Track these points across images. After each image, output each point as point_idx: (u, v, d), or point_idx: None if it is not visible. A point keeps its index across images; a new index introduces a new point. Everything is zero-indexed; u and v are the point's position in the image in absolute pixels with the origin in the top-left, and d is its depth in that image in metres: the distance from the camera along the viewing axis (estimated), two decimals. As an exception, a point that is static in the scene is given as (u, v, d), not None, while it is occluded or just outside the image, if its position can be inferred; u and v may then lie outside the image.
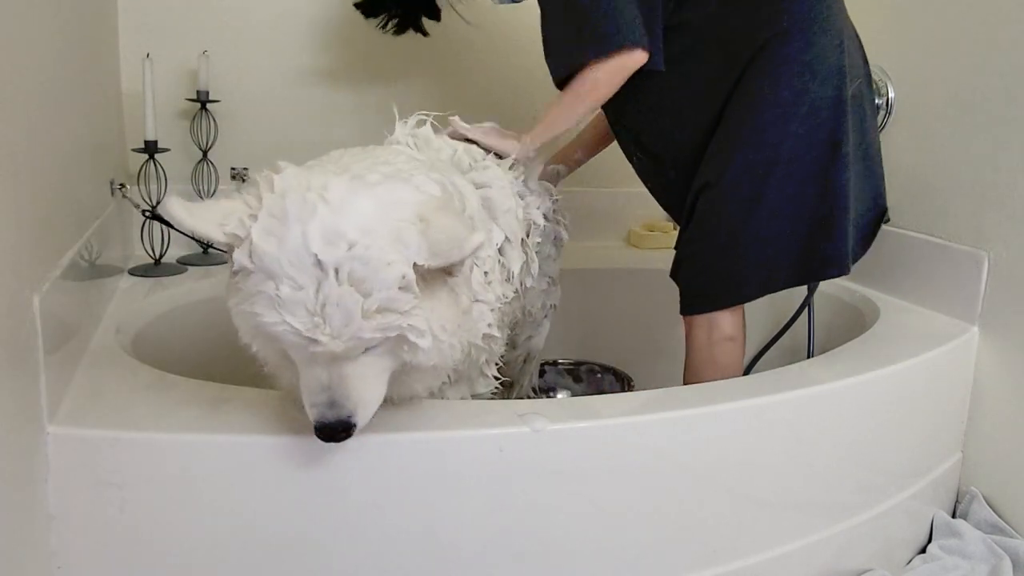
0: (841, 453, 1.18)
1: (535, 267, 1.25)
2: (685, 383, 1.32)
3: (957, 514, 1.44)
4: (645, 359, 1.89)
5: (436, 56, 1.71)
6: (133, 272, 1.56)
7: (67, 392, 0.95)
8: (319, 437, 0.79)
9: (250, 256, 0.73)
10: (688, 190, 1.29)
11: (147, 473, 0.87)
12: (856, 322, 1.55)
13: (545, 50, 1.27)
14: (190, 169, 1.74)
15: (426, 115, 1.16)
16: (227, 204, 0.77)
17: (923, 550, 1.38)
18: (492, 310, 1.02)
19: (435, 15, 1.59)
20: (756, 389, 1.10)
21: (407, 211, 0.77)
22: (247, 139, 1.79)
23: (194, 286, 1.52)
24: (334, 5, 1.82)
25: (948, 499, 1.45)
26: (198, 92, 1.68)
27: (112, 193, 1.48)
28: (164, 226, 1.59)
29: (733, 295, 1.28)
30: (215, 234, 0.75)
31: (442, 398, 1.03)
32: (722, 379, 1.22)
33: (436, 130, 1.17)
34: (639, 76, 1.22)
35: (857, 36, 1.31)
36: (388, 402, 0.86)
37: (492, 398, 1.15)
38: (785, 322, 1.50)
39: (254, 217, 0.75)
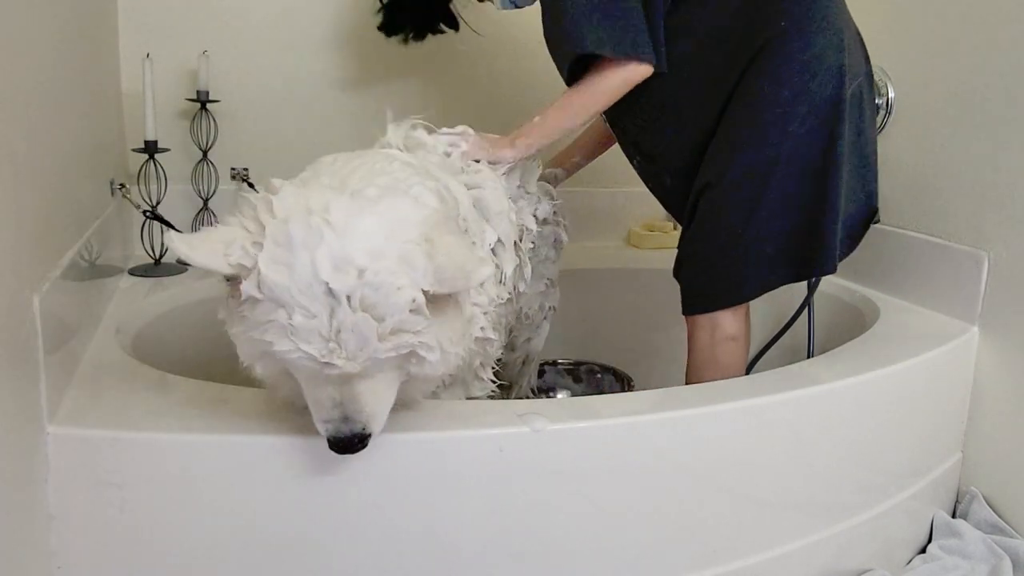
0: (841, 453, 1.18)
1: (528, 271, 1.25)
2: (687, 383, 1.32)
3: (957, 514, 1.44)
4: (645, 359, 1.89)
5: (436, 57, 1.71)
6: (133, 272, 1.56)
7: (67, 392, 0.95)
8: (334, 450, 0.79)
9: (259, 286, 0.73)
10: (688, 191, 1.30)
11: (147, 473, 0.87)
12: (856, 322, 1.55)
13: (552, 50, 1.27)
14: (190, 169, 1.74)
15: (419, 119, 1.16)
16: (226, 232, 0.76)
17: (923, 550, 1.38)
18: (485, 313, 1.03)
19: (453, 24, 1.60)
20: (756, 389, 1.10)
21: (412, 231, 0.77)
22: (247, 139, 1.79)
23: (194, 286, 1.52)
24: (334, 5, 1.83)
25: (948, 499, 1.45)
26: (198, 92, 1.68)
27: (112, 193, 1.48)
28: (164, 226, 1.59)
29: (734, 295, 1.28)
30: (220, 266, 0.74)
31: (437, 401, 1.03)
32: (724, 380, 1.22)
33: (430, 131, 1.17)
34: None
35: (859, 35, 1.30)
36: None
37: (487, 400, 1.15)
38: (785, 322, 1.50)
39: (257, 245, 0.74)
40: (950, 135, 1.48)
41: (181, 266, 1.62)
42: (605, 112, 1.41)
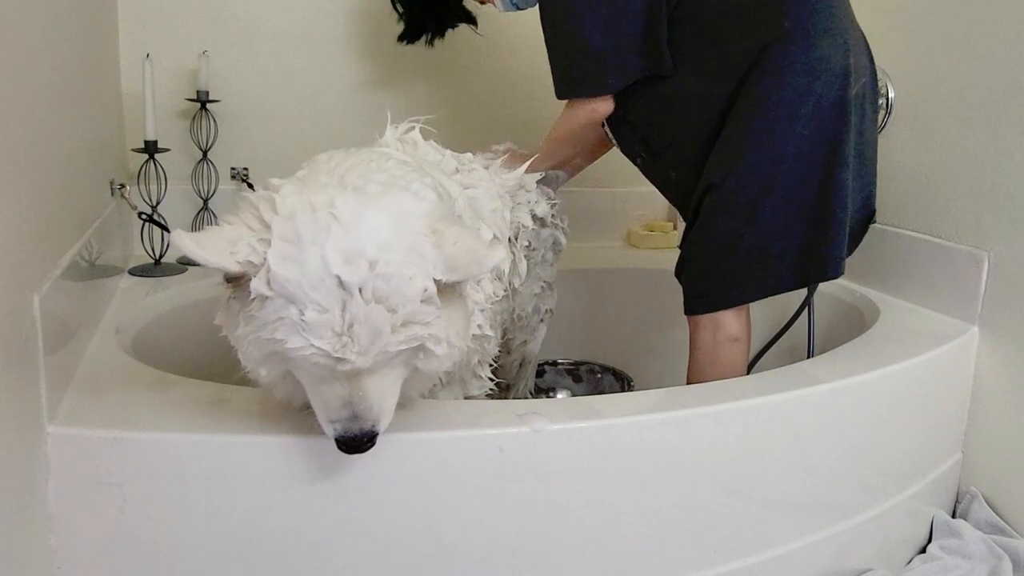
0: (841, 453, 1.18)
1: (523, 267, 1.25)
2: (688, 383, 1.32)
3: (957, 514, 1.44)
4: (645, 359, 1.89)
5: (438, 57, 1.71)
6: (133, 272, 1.56)
7: (67, 392, 0.95)
8: (343, 450, 0.78)
9: (268, 283, 0.72)
10: (693, 189, 1.30)
11: (147, 473, 0.86)
12: (856, 322, 1.55)
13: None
14: (190, 169, 1.74)
15: (416, 121, 1.16)
16: (229, 231, 0.75)
17: (923, 550, 1.38)
18: (482, 310, 1.03)
19: (472, 20, 1.63)
20: (756, 389, 1.10)
21: (419, 223, 0.77)
22: (247, 139, 1.79)
23: (194, 286, 1.52)
24: (334, 5, 1.83)
25: (948, 499, 1.45)
26: (198, 92, 1.68)
27: (112, 193, 1.48)
28: (162, 230, 1.59)
29: (736, 295, 1.28)
30: (228, 264, 0.73)
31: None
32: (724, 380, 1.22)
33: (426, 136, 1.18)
34: (646, 76, 1.24)
35: (863, 36, 1.31)
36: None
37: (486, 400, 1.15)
38: (785, 322, 1.50)
39: (264, 242, 0.73)
40: (950, 135, 1.48)
41: (181, 266, 1.62)
42: (612, 114, 1.41)
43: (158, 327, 1.38)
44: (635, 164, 1.45)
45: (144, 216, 1.56)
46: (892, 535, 1.31)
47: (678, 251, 1.35)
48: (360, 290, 0.71)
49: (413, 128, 1.16)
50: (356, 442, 0.77)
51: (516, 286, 1.26)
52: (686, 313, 1.32)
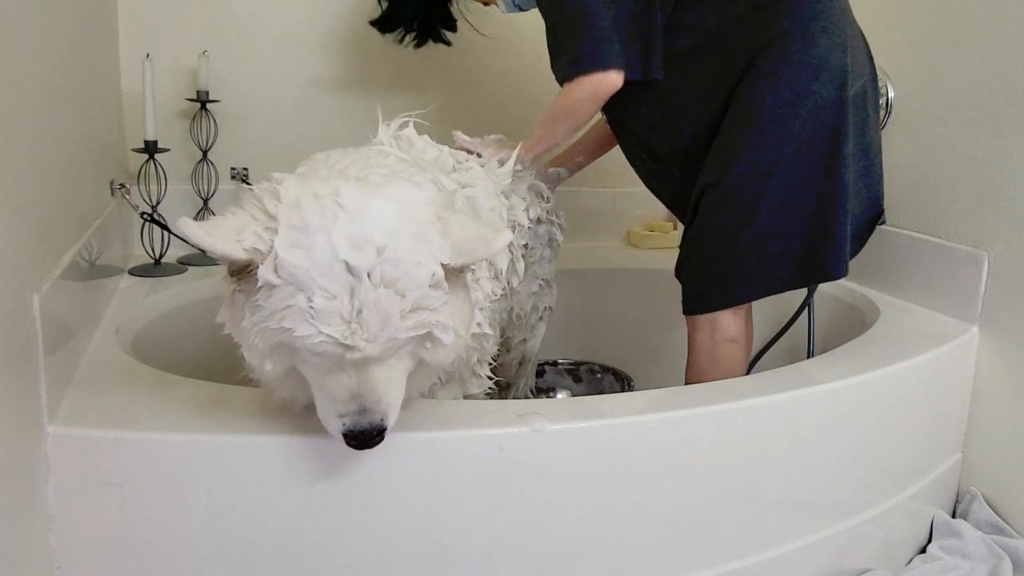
0: (841, 453, 1.18)
1: (520, 267, 1.26)
2: (687, 384, 1.32)
3: (957, 514, 1.44)
4: (645, 359, 1.89)
5: (438, 57, 1.71)
6: (133, 272, 1.56)
7: (67, 392, 0.95)
8: (352, 446, 0.77)
9: (276, 271, 0.71)
10: (692, 190, 1.30)
11: (147, 473, 0.86)
12: (856, 322, 1.55)
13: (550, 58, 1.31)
14: (190, 169, 1.74)
15: (409, 116, 1.16)
16: (234, 220, 0.75)
17: (923, 550, 1.38)
18: (481, 308, 1.03)
19: (452, 25, 1.60)
20: (756, 389, 1.10)
21: (424, 211, 0.77)
22: (247, 139, 1.79)
23: (194, 286, 1.52)
24: (335, 5, 1.83)
25: (948, 499, 1.45)
26: (198, 92, 1.68)
27: (112, 193, 1.48)
28: (163, 230, 1.59)
29: (734, 295, 1.28)
30: (235, 251, 0.72)
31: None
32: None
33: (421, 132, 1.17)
34: (642, 80, 1.24)
35: (862, 35, 1.31)
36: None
37: (486, 399, 1.15)
38: (785, 322, 1.50)
39: (270, 230, 0.73)
40: (950, 135, 1.48)
41: (181, 266, 1.62)
42: (608, 114, 1.41)
43: (158, 327, 1.38)
44: (634, 167, 1.45)
45: (145, 216, 1.57)
46: (892, 535, 1.31)
47: (678, 251, 1.35)
48: (368, 275, 0.71)
49: (407, 125, 1.16)
50: (366, 436, 0.76)
51: (514, 286, 1.26)
52: (684, 313, 1.32)
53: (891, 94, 1.59)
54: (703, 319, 1.30)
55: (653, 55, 1.26)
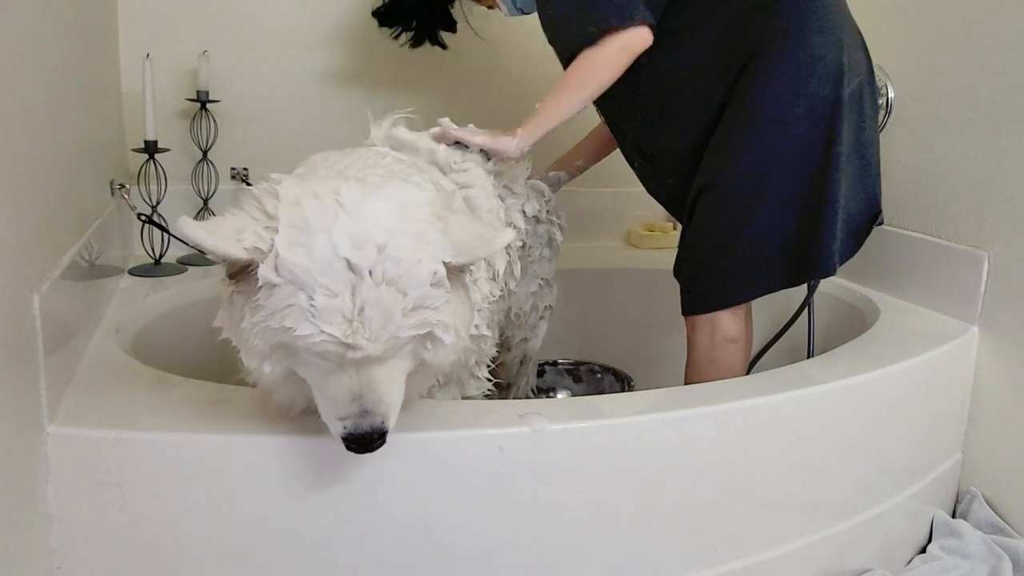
0: (841, 453, 1.18)
1: (517, 268, 1.25)
2: (687, 384, 1.32)
3: (957, 514, 1.44)
4: (645, 359, 1.89)
5: (439, 58, 1.71)
6: (133, 272, 1.56)
7: (67, 392, 0.95)
8: (353, 450, 0.76)
9: (276, 269, 0.71)
10: (688, 191, 1.30)
11: (147, 473, 0.86)
12: (856, 322, 1.55)
13: (551, 33, 1.24)
14: (190, 169, 1.74)
15: (401, 114, 1.15)
16: (233, 220, 0.74)
17: (923, 550, 1.38)
18: (479, 310, 1.03)
19: (451, 27, 1.59)
20: (756, 389, 1.10)
21: (424, 211, 0.77)
22: (247, 139, 1.79)
23: (194, 286, 1.52)
24: (335, 5, 1.83)
25: (948, 499, 1.45)
26: (198, 92, 1.68)
27: (112, 193, 1.48)
28: (162, 232, 1.59)
29: (733, 295, 1.28)
30: (235, 250, 0.72)
31: (431, 401, 1.03)
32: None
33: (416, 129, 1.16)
34: (636, 79, 1.23)
35: (859, 34, 1.30)
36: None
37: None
38: (785, 322, 1.50)
39: (270, 230, 0.72)
40: (950, 135, 1.48)
41: (181, 266, 1.62)
42: (606, 116, 1.41)
43: (158, 327, 1.38)
44: (633, 169, 1.45)
45: (144, 217, 1.57)
46: (892, 535, 1.31)
47: (677, 251, 1.35)
48: (370, 273, 0.71)
49: (398, 123, 1.15)
50: (367, 439, 0.75)
51: (512, 287, 1.26)
52: (683, 313, 1.32)
53: (891, 94, 1.59)
54: (702, 319, 1.30)
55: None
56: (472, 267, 0.98)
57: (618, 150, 1.49)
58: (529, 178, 1.40)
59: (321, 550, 0.90)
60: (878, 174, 1.34)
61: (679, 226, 1.37)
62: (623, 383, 1.81)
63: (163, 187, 1.64)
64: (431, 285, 0.74)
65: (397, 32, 1.60)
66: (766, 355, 1.52)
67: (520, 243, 1.29)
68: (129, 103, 1.66)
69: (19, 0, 0.86)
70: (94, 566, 0.87)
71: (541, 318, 1.49)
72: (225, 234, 0.72)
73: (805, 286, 1.40)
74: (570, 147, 1.61)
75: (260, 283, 0.71)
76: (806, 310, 1.48)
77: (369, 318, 0.71)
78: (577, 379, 1.88)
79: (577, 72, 1.19)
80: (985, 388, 1.41)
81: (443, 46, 1.61)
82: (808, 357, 1.46)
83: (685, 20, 1.24)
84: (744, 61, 1.21)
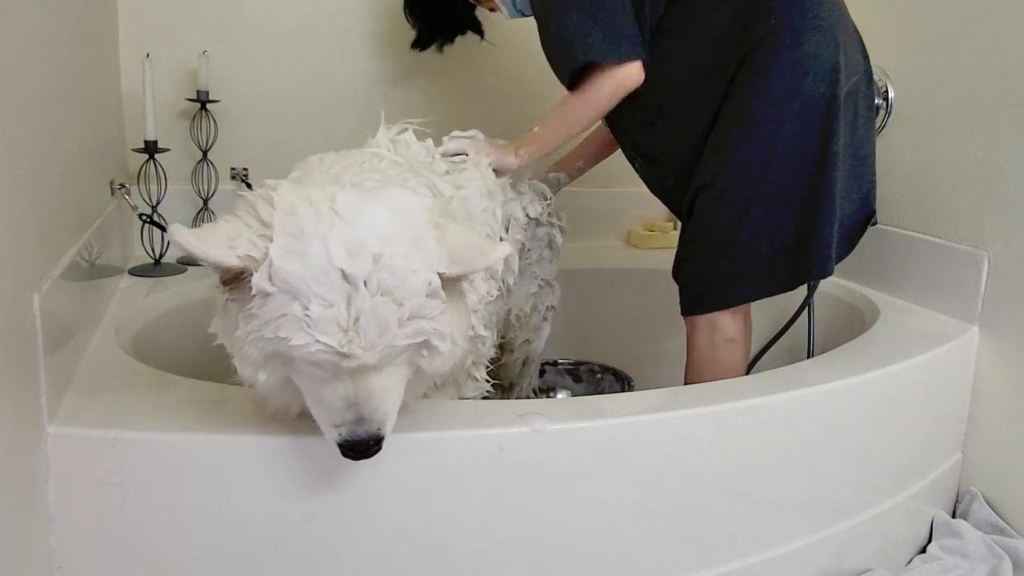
0: (841, 453, 1.18)
1: (515, 262, 1.25)
2: (686, 384, 1.32)
3: (957, 514, 1.44)
4: (645, 359, 1.89)
5: (438, 59, 1.71)
6: (133, 272, 1.56)
7: (67, 392, 0.95)
8: (349, 456, 0.76)
9: (270, 278, 0.70)
10: (687, 192, 1.30)
11: (147, 473, 0.86)
12: (856, 322, 1.55)
13: (547, 54, 1.28)
14: (190, 169, 1.74)
15: (409, 123, 1.16)
16: (227, 227, 0.74)
17: (923, 550, 1.38)
18: (476, 311, 1.02)
19: (478, 29, 1.64)
20: (756, 389, 1.10)
21: (420, 218, 0.76)
22: (247, 139, 1.79)
23: (194, 286, 1.52)
24: (335, 5, 1.83)
25: (948, 499, 1.45)
26: (198, 92, 1.68)
27: (112, 193, 1.48)
28: (162, 232, 1.59)
29: (732, 296, 1.28)
30: (227, 258, 0.71)
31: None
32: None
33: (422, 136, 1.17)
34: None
35: (857, 33, 1.30)
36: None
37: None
38: (785, 322, 1.50)
39: (264, 238, 0.72)
40: (950, 135, 1.48)
41: (181, 266, 1.62)
42: (607, 118, 1.41)
43: (158, 327, 1.38)
44: (634, 168, 1.45)
45: (144, 217, 1.57)
46: (892, 535, 1.31)
47: (676, 251, 1.35)
48: (365, 283, 0.70)
49: (407, 130, 1.15)
50: (363, 446, 0.75)
51: (510, 283, 1.26)
52: (683, 314, 1.32)
53: (891, 94, 1.59)
54: (702, 319, 1.30)
55: (645, 46, 1.24)
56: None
57: (619, 150, 1.49)
58: (531, 179, 1.40)
59: (321, 550, 0.90)
60: (873, 174, 1.34)
61: (679, 226, 1.37)
62: (623, 383, 1.81)
63: (163, 187, 1.64)
64: (427, 296, 0.73)
65: (440, 46, 1.65)
66: (766, 355, 1.52)
67: (518, 237, 1.29)
68: (129, 103, 1.66)
69: (19, 0, 0.86)
70: (94, 566, 0.87)
71: (544, 319, 1.49)
72: (218, 241, 0.71)
73: (805, 286, 1.40)
74: (571, 149, 1.61)
75: (253, 292, 0.71)
76: (806, 310, 1.48)
77: (365, 328, 0.71)
78: (577, 379, 1.88)
79: (572, 108, 1.26)
80: (985, 388, 1.41)
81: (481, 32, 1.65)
82: (808, 357, 1.47)
83: (682, 20, 1.24)
84: (740, 60, 1.21)
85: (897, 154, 1.57)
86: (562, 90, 1.28)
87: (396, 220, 0.74)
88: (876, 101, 1.57)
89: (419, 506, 0.91)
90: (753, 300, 1.30)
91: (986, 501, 1.40)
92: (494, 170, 1.24)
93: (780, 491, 1.12)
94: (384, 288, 0.71)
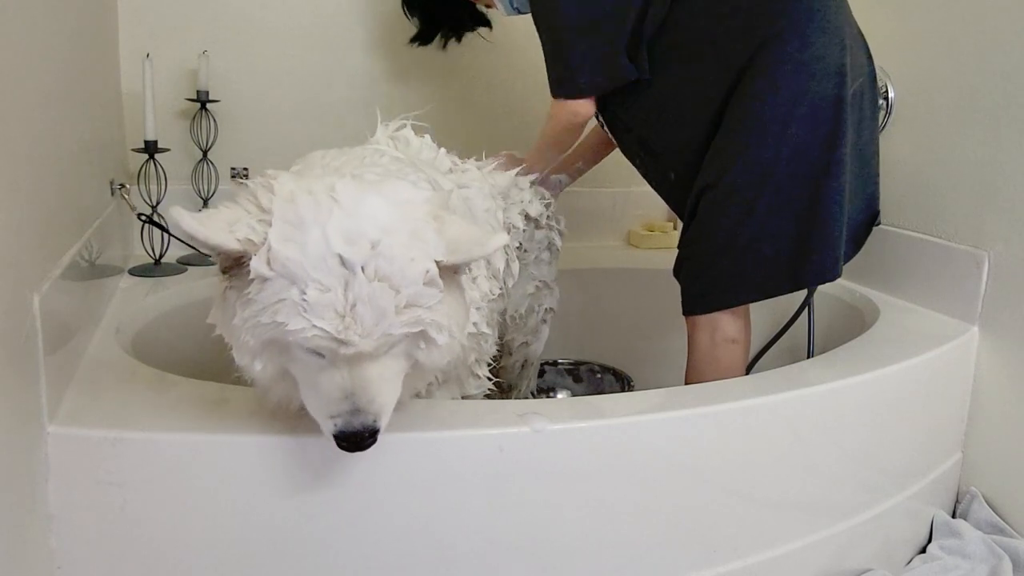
0: (841, 453, 1.18)
1: (515, 267, 1.26)
2: (687, 384, 1.32)
3: (957, 514, 1.44)
4: (645, 359, 1.89)
5: (439, 57, 1.71)
6: (133, 272, 1.56)
7: (67, 392, 0.95)
8: (343, 447, 0.76)
9: (268, 263, 0.70)
10: (691, 190, 1.30)
11: (147, 473, 0.86)
12: (856, 322, 1.55)
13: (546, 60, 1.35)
14: (190, 169, 1.74)
15: (406, 118, 1.16)
16: (227, 213, 0.74)
17: (923, 550, 1.38)
18: (478, 308, 1.03)
19: (486, 22, 1.66)
20: (756, 389, 1.10)
21: (419, 210, 0.77)
22: (247, 139, 1.79)
23: (194, 286, 1.52)
24: (334, 5, 1.83)
25: (948, 499, 1.45)
26: (198, 92, 1.68)
27: (112, 193, 1.48)
28: (162, 232, 1.59)
29: (733, 296, 1.27)
30: (227, 242, 0.71)
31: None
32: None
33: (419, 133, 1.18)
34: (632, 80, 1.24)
35: (861, 34, 1.30)
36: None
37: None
38: (785, 322, 1.50)
39: (263, 223, 0.72)
40: (950, 135, 1.48)
41: (181, 266, 1.62)
42: (606, 114, 1.41)
43: (158, 327, 1.38)
44: (635, 165, 1.45)
45: (144, 217, 1.57)
46: (892, 535, 1.31)
47: (678, 251, 1.35)
48: (363, 269, 0.70)
49: (404, 126, 1.16)
50: (358, 437, 0.74)
51: (509, 285, 1.26)
52: (684, 314, 1.32)
53: (891, 94, 1.59)
54: (703, 319, 1.30)
55: (643, 56, 1.27)
56: (471, 266, 0.99)
57: (617, 150, 1.49)
58: (533, 181, 1.41)
59: (321, 550, 0.90)
60: (877, 175, 1.34)
61: (679, 226, 1.38)
62: (623, 383, 1.81)
63: (163, 187, 1.64)
64: (424, 284, 0.73)
65: (443, 42, 1.67)
66: (766, 355, 1.52)
67: (517, 243, 1.30)
68: (129, 103, 1.66)
69: (19, 0, 0.86)
70: (94, 566, 0.87)
71: (543, 321, 1.49)
72: (218, 226, 0.72)
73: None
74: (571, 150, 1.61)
75: (252, 276, 0.71)
76: (806, 310, 1.48)
77: (361, 314, 0.71)
78: (577, 379, 1.88)
79: (544, 134, 1.42)
80: (985, 388, 1.41)
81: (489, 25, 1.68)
82: (808, 357, 1.47)
83: (687, 18, 1.24)
84: (746, 60, 1.21)
85: (897, 154, 1.57)
86: None
87: (395, 211, 0.74)
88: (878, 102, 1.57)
89: (419, 506, 0.91)
90: (755, 301, 1.30)
91: (986, 501, 1.40)
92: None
93: (780, 491, 1.12)
94: (381, 274, 0.71)
